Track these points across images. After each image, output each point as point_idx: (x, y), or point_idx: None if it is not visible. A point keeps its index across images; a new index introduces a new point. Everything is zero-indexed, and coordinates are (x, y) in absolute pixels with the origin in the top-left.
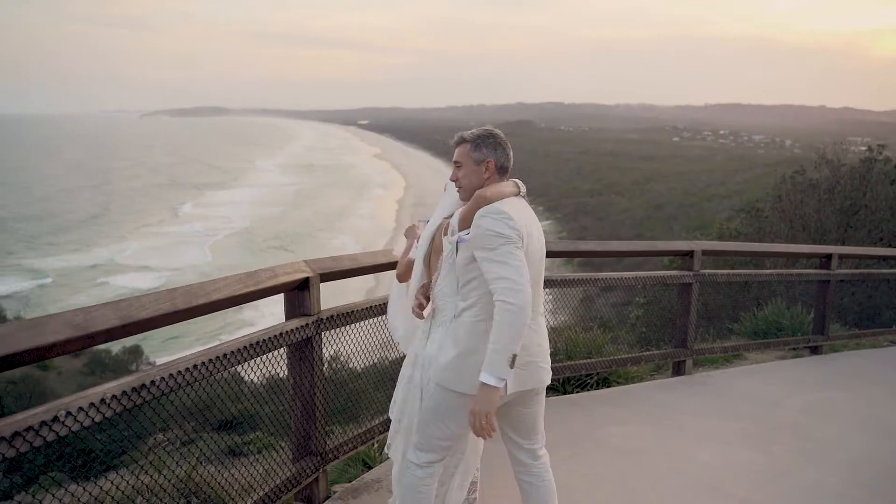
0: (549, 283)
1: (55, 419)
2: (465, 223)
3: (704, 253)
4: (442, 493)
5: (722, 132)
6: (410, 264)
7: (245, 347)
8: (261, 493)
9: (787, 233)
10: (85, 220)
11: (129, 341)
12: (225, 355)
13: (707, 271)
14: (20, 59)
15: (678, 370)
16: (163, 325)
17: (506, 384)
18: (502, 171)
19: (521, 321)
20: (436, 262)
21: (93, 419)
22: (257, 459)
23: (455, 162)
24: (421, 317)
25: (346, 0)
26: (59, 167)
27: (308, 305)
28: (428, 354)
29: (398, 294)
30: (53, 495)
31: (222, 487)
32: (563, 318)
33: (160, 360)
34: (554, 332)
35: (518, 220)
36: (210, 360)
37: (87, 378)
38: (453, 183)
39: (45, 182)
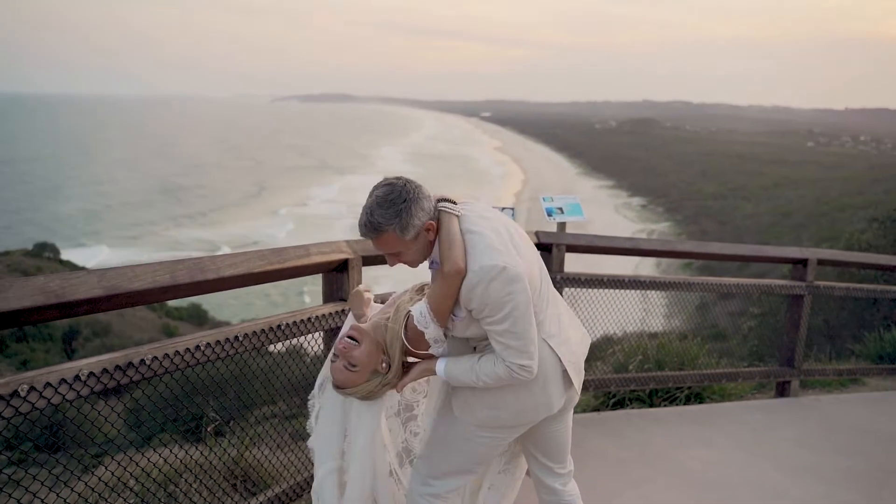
0: (655, 284)
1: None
2: (447, 312)
3: (820, 262)
4: None
5: (862, 138)
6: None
7: (270, 329)
8: (298, 479)
9: None
10: (242, 196)
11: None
12: (237, 337)
13: (822, 283)
14: (159, 45)
15: (782, 391)
16: (159, 300)
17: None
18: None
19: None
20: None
21: (63, 395)
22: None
23: (389, 254)
24: None
25: None
26: (204, 144)
27: (346, 290)
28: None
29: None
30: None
31: (266, 471)
32: (676, 324)
33: None
34: (648, 339)
35: (498, 242)
36: (218, 341)
37: None
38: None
39: (196, 158)
